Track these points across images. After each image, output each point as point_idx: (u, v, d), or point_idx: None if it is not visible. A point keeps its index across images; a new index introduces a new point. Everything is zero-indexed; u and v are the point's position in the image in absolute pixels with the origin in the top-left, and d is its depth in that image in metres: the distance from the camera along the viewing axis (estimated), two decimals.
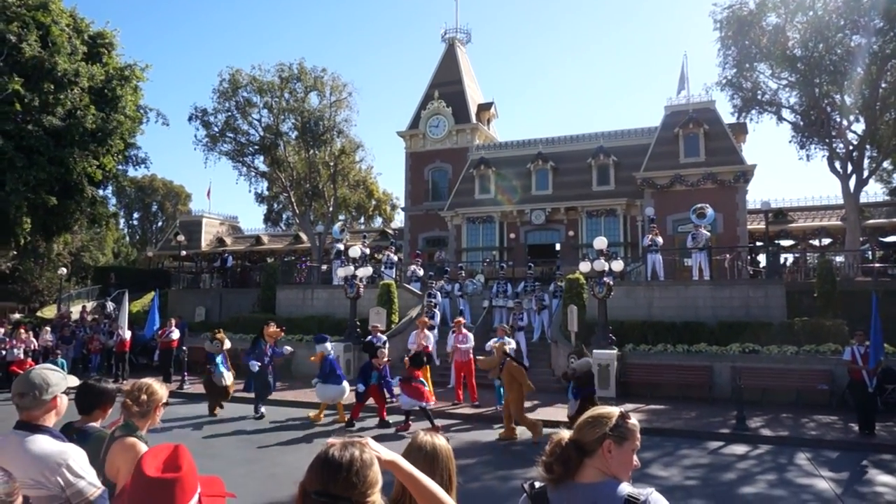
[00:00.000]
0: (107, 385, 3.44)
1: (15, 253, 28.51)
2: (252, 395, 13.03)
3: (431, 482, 1.93)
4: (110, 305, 24.76)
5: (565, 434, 2.18)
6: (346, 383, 12.47)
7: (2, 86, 21.42)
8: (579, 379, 10.46)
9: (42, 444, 2.62)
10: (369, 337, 14.57)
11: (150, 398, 3.15)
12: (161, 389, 3.23)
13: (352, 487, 1.58)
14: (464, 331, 14.44)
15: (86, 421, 3.35)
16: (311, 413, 12.67)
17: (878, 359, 11.26)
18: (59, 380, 2.76)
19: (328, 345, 12.57)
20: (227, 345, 13.56)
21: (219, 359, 13.19)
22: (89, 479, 2.62)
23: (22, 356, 17.55)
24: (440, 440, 2.36)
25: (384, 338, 14.45)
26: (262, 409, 12.80)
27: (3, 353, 17.72)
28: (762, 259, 25.94)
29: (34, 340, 18.59)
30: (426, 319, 15.47)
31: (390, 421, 11.92)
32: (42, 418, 2.70)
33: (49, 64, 22.57)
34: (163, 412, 3.28)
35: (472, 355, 14.09)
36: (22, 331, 18.70)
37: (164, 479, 1.68)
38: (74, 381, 2.97)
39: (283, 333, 14.25)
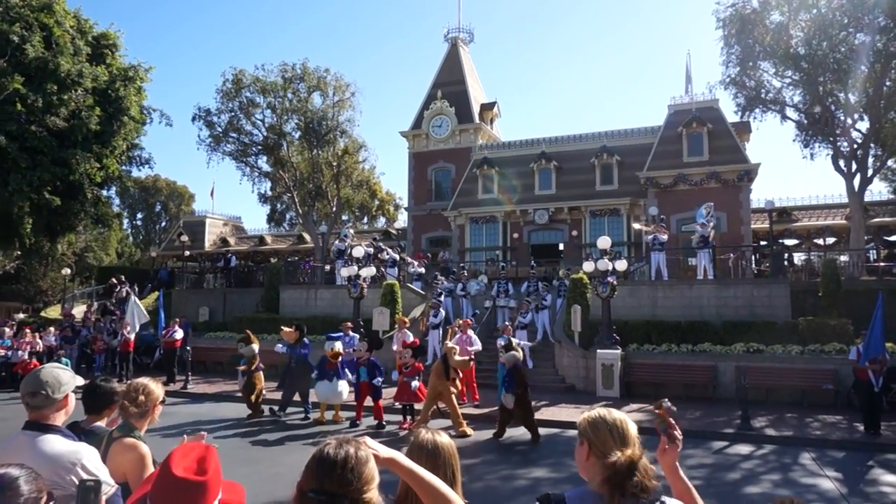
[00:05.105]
0: (114, 385, 3.45)
1: (19, 253, 28.63)
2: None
3: (432, 476, 1.90)
4: (125, 291, 24.54)
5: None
6: (345, 383, 12.26)
7: (3, 86, 21.49)
8: (511, 372, 10.57)
9: (54, 443, 2.61)
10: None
11: (147, 398, 3.14)
12: (157, 389, 3.24)
13: (347, 484, 1.57)
14: (469, 332, 14.37)
15: (93, 420, 3.36)
16: (327, 415, 12.54)
17: (870, 355, 11.21)
18: (69, 378, 2.76)
19: (339, 344, 12.36)
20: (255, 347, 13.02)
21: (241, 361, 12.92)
22: (103, 478, 2.60)
23: (27, 357, 17.62)
24: (442, 437, 2.32)
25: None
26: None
27: (9, 354, 17.78)
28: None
29: (39, 342, 18.63)
30: (405, 319, 15.62)
31: (359, 423, 11.83)
32: (52, 417, 2.68)
33: (52, 65, 22.64)
34: (160, 411, 3.29)
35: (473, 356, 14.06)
36: (27, 331, 18.77)
37: (190, 481, 1.68)
38: (80, 381, 2.97)
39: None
